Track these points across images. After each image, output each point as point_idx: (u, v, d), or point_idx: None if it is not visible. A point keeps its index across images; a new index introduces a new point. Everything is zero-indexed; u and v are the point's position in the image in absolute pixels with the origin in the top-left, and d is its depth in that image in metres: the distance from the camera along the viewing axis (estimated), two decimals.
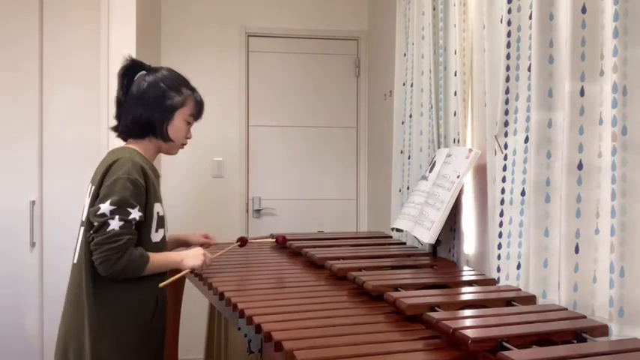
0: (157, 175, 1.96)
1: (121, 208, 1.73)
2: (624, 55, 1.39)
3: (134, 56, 1.82)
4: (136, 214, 1.75)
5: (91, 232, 1.75)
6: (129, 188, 1.75)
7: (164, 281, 1.86)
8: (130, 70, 1.94)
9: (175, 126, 1.92)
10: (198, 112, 1.98)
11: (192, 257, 1.91)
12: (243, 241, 2.27)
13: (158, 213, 1.87)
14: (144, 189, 1.79)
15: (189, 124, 1.97)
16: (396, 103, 2.99)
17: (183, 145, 1.99)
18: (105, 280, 1.77)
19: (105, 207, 1.73)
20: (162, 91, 1.89)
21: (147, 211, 1.82)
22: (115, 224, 1.72)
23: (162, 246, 1.92)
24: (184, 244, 2.23)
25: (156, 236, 1.87)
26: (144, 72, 1.94)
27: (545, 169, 1.70)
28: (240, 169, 4.02)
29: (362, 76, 4.16)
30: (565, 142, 1.57)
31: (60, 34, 3.20)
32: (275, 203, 4.08)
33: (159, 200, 1.89)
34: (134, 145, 1.93)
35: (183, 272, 1.91)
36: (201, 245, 2.21)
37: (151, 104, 1.88)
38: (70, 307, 1.84)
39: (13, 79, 3.17)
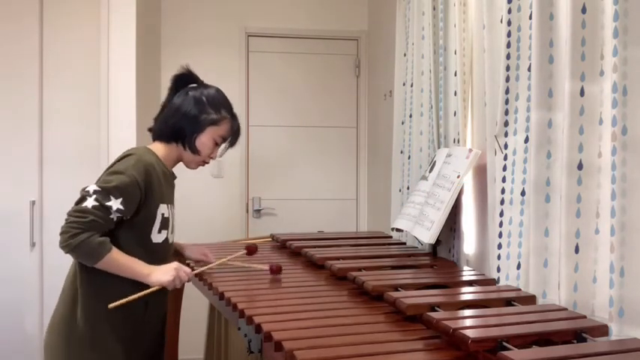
0: (170, 178, 1.98)
1: (102, 192, 1.75)
2: (624, 55, 1.39)
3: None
4: (116, 204, 1.75)
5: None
6: (120, 180, 1.77)
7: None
8: (182, 79, 1.99)
9: (202, 140, 1.94)
10: (231, 136, 2.01)
11: (162, 272, 1.80)
12: (250, 249, 2.17)
13: (163, 214, 1.88)
14: (140, 188, 1.80)
15: (217, 144, 1.99)
16: (396, 103, 2.99)
17: (204, 162, 2.01)
18: (97, 272, 1.78)
19: (91, 187, 1.77)
20: (202, 106, 1.94)
21: (147, 210, 1.83)
22: (89, 202, 1.73)
23: (165, 247, 1.92)
24: (177, 253, 2.16)
25: (158, 237, 1.88)
26: (194, 85, 1.99)
27: (545, 169, 1.70)
28: (240, 169, 4.02)
29: (362, 76, 4.16)
30: (565, 142, 1.57)
31: (60, 34, 3.20)
32: (275, 203, 4.08)
33: (165, 202, 1.90)
34: (156, 147, 1.96)
35: (150, 290, 1.78)
36: (197, 262, 2.14)
37: (187, 115, 1.93)
38: (63, 293, 1.87)
39: (13, 79, 3.17)
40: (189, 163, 2.00)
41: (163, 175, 1.91)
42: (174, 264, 1.85)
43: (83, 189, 1.78)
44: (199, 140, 1.94)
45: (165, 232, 1.90)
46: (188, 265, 2.12)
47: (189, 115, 1.92)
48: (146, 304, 1.87)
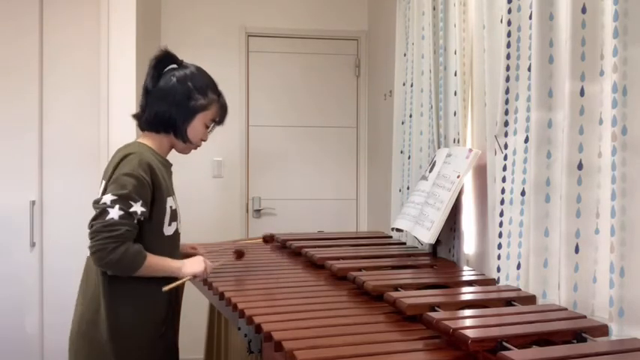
0: (169, 166, 1.97)
1: (122, 200, 1.72)
2: (624, 55, 1.39)
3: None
4: (138, 208, 1.74)
5: (90, 220, 1.74)
6: (132, 183, 1.75)
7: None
8: (162, 61, 1.95)
9: (193, 127, 1.93)
10: (220, 117, 2.00)
11: (192, 264, 1.88)
12: (239, 254, 2.18)
13: (171, 207, 1.88)
14: (149, 186, 1.79)
15: (208, 127, 1.98)
16: (396, 103, 2.99)
17: (197, 146, 2.01)
18: (119, 276, 1.77)
19: (106, 197, 1.73)
20: (189, 91, 1.90)
21: (158, 206, 1.83)
22: (114, 213, 1.71)
23: (175, 239, 1.93)
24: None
25: (169, 230, 1.88)
26: (174, 66, 1.96)
27: (545, 169, 1.70)
28: (241, 169, 4.02)
29: (362, 76, 4.16)
30: (565, 142, 1.57)
31: (60, 33, 3.20)
32: (275, 203, 4.08)
33: (171, 194, 1.91)
34: (148, 139, 1.93)
35: (185, 279, 1.86)
36: (186, 256, 2.15)
37: (175, 102, 1.89)
38: (85, 297, 1.84)
39: (13, 78, 3.17)
40: (184, 149, 1.99)
41: (164, 168, 1.91)
42: (200, 257, 1.92)
43: (97, 202, 1.74)
44: (190, 128, 1.92)
45: (175, 223, 1.91)
46: None
47: (179, 105, 1.89)
48: (169, 304, 1.89)
